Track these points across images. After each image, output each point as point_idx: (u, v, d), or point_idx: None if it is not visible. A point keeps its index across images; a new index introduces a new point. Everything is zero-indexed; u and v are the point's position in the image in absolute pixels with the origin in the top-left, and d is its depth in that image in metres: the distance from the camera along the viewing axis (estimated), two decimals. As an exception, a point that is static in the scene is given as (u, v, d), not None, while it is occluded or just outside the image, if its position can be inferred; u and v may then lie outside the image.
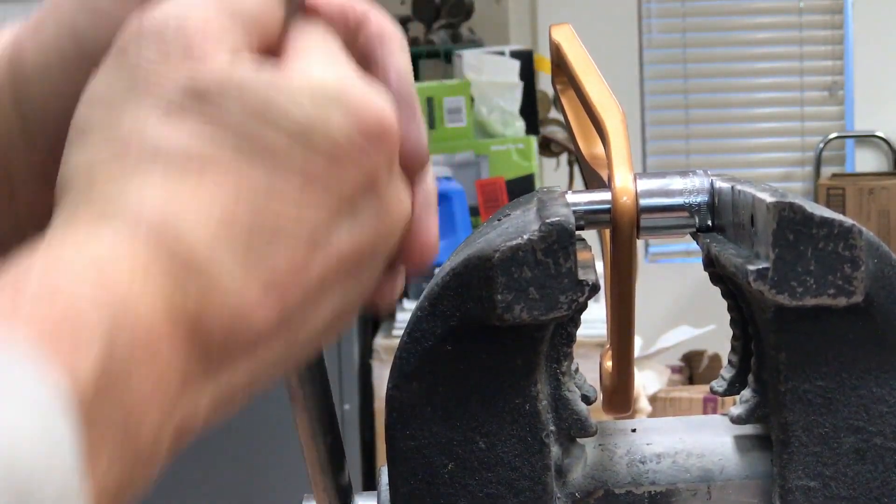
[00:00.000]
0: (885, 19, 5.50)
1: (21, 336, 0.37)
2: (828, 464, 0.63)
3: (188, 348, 0.42)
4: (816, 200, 4.78)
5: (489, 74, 3.96)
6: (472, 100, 3.85)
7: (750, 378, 0.66)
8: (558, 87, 0.81)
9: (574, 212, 0.63)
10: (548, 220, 0.61)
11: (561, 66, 0.76)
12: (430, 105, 3.65)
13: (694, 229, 0.68)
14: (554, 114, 4.24)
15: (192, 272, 0.42)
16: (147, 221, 0.42)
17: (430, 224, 0.51)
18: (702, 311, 3.87)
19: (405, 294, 3.35)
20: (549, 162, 4.53)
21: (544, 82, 4.16)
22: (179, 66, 0.44)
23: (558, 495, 0.65)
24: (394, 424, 0.64)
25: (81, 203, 0.43)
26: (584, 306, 0.62)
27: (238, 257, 0.43)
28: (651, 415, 3.70)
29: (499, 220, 0.66)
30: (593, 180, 0.77)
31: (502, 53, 4.11)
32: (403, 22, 4.92)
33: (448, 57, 4.40)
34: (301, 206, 0.45)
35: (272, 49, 0.48)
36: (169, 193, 0.43)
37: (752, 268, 0.59)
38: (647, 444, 0.67)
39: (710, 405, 3.91)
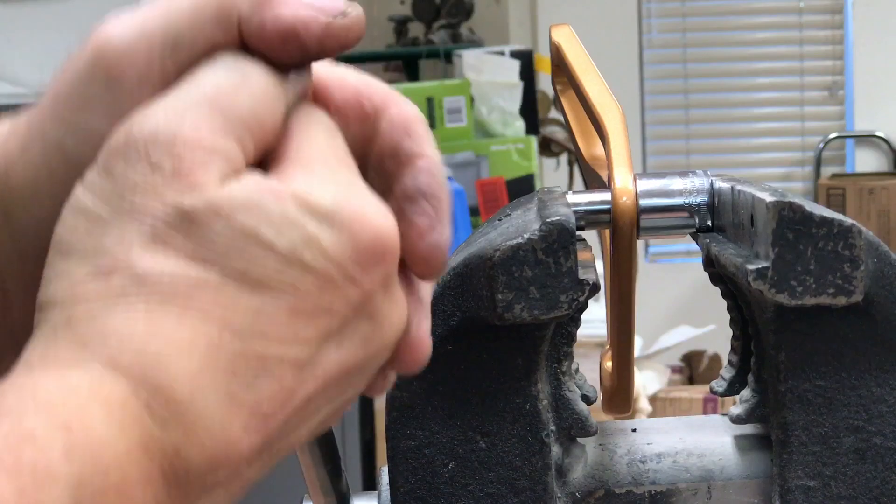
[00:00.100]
0: (885, 19, 5.49)
1: None
2: (827, 463, 0.63)
3: (166, 486, 0.41)
4: (816, 200, 4.78)
5: (489, 74, 3.96)
6: (472, 100, 3.85)
7: (750, 378, 0.66)
8: (558, 87, 0.81)
9: (574, 212, 0.63)
10: (548, 220, 0.61)
11: (561, 67, 0.76)
12: (430, 105, 3.65)
13: (694, 229, 0.68)
14: (554, 114, 4.24)
15: (173, 407, 0.41)
16: (128, 357, 0.41)
17: (423, 326, 0.49)
18: (702, 311, 3.87)
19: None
20: (549, 162, 4.53)
21: (544, 82, 4.16)
22: (167, 186, 0.43)
23: (559, 495, 0.65)
24: (394, 424, 0.64)
25: (61, 327, 0.42)
26: (584, 305, 0.62)
27: (221, 390, 0.42)
28: (651, 415, 3.70)
29: (499, 220, 0.66)
30: (593, 181, 0.77)
31: (502, 53, 4.11)
32: (403, 22, 4.92)
33: (448, 57, 4.40)
34: (288, 333, 0.43)
35: (271, 145, 0.46)
36: (151, 325, 0.42)
37: (751, 267, 0.59)
38: (648, 444, 0.67)
39: (710, 405, 3.91)
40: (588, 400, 0.66)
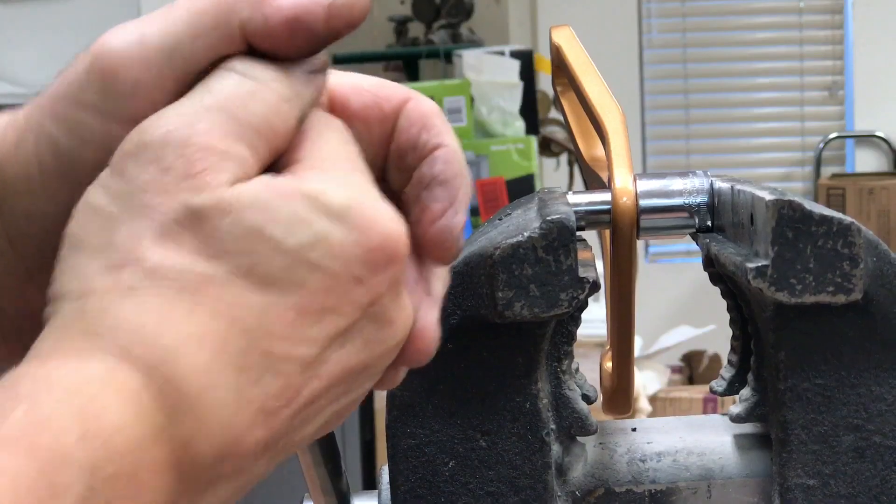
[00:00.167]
0: (885, 19, 5.50)
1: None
2: (827, 462, 0.63)
3: (175, 475, 0.42)
4: (816, 200, 4.77)
5: (489, 74, 3.96)
6: (472, 100, 3.85)
7: (749, 377, 0.66)
8: (559, 88, 0.82)
9: (574, 212, 0.63)
10: (548, 218, 0.61)
11: (561, 68, 0.77)
12: (431, 105, 3.65)
13: (694, 229, 0.68)
14: (554, 114, 4.24)
15: (184, 400, 0.42)
16: (140, 348, 0.42)
17: (431, 319, 0.49)
18: (702, 311, 3.87)
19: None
20: (549, 162, 4.53)
21: (544, 82, 4.16)
22: (178, 187, 0.43)
23: (559, 493, 0.65)
24: (395, 423, 0.64)
25: (73, 319, 0.43)
26: (584, 304, 0.62)
27: (230, 384, 0.42)
28: (651, 415, 3.70)
29: (499, 219, 0.67)
30: (593, 181, 0.77)
31: (502, 53, 4.11)
32: (403, 22, 4.92)
33: (448, 57, 4.40)
34: (295, 331, 0.44)
35: (283, 152, 0.46)
36: (162, 318, 0.42)
37: (751, 265, 0.59)
38: (648, 443, 0.68)
39: (710, 405, 3.91)
40: (588, 399, 0.66)
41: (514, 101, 3.93)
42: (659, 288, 5.16)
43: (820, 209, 0.60)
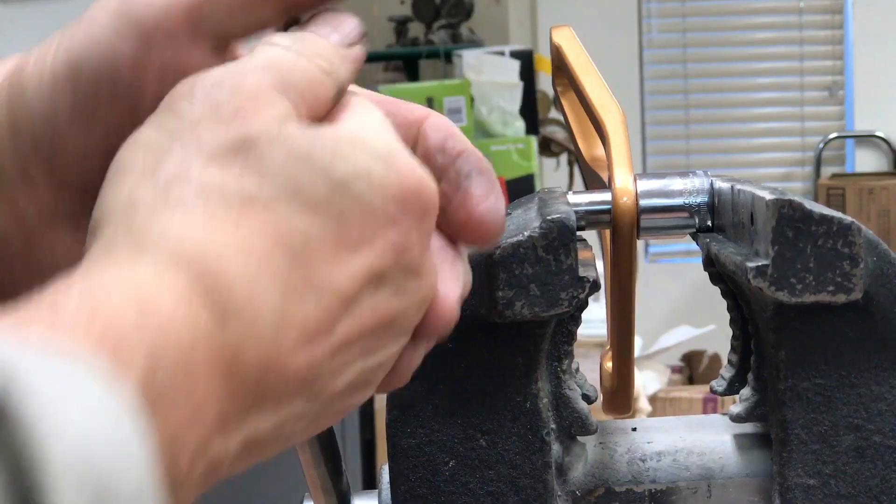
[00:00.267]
0: (885, 19, 5.50)
1: (70, 345, 0.37)
2: (827, 462, 0.63)
3: (224, 385, 0.42)
4: (816, 200, 4.77)
5: (489, 74, 3.96)
6: (472, 100, 3.86)
7: (749, 377, 0.66)
8: (559, 88, 0.82)
9: (575, 212, 0.63)
10: (549, 218, 0.61)
11: (561, 68, 0.77)
12: (430, 105, 3.66)
13: (694, 229, 0.68)
14: (554, 114, 4.24)
15: (231, 306, 0.42)
16: (188, 254, 0.42)
17: (453, 296, 0.51)
18: (702, 311, 3.87)
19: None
20: (549, 162, 4.53)
21: (544, 82, 4.16)
22: (228, 122, 0.45)
23: (559, 493, 0.65)
24: (395, 422, 0.64)
25: (120, 233, 0.43)
26: (584, 303, 0.62)
27: (275, 301, 0.43)
28: (651, 415, 3.70)
29: (500, 219, 0.67)
30: (593, 181, 0.77)
31: (502, 53, 4.11)
32: (403, 22, 4.93)
33: (448, 57, 4.40)
34: (336, 259, 0.45)
35: (321, 120, 0.48)
36: (210, 228, 0.43)
37: (751, 265, 0.59)
38: (648, 443, 0.68)
39: (710, 405, 3.92)
40: (588, 399, 0.66)
41: (514, 101, 3.93)
42: (659, 288, 5.16)
43: (820, 209, 0.60)
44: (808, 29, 5.63)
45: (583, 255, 0.62)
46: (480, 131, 3.87)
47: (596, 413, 0.66)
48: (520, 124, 3.93)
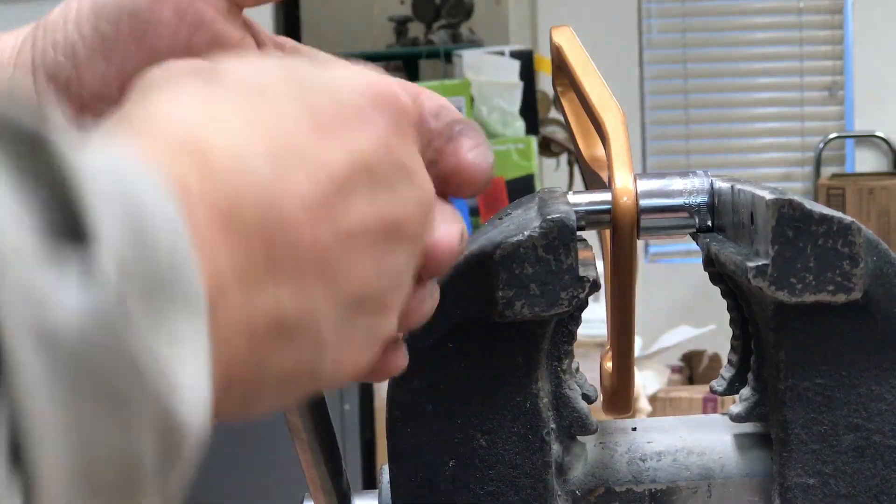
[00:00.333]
0: (885, 19, 5.50)
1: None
2: (827, 461, 0.63)
3: (228, 236, 0.42)
4: (816, 200, 4.76)
5: (489, 74, 3.96)
6: (472, 100, 3.85)
7: (749, 377, 0.66)
8: (559, 88, 0.82)
9: (575, 212, 0.63)
10: (549, 217, 0.61)
11: (562, 68, 0.77)
12: (431, 105, 3.65)
13: (694, 229, 0.68)
14: (554, 114, 4.24)
15: (220, 168, 0.43)
16: (175, 125, 0.44)
17: (455, 231, 0.52)
18: (702, 311, 3.87)
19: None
20: (549, 162, 4.53)
21: (544, 82, 4.16)
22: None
23: (559, 493, 0.65)
24: (395, 422, 0.64)
25: (120, 121, 0.45)
26: (584, 303, 0.62)
27: (264, 164, 0.44)
28: (651, 415, 3.70)
29: (500, 219, 0.67)
30: (593, 181, 0.77)
31: (502, 53, 4.11)
32: (403, 22, 4.93)
33: (448, 57, 4.40)
34: (315, 142, 0.46)
35: None
36: (205, 104, 0.45)
37: (751, 264, 0.60)
38: (648, 443, 0.68)
39: (710, 405, 3.91)
40: (588, 399, 0.66)
41: (514, 101, 3.93)
42: (659, 288, 5.16)
43: (820, 208, 0.60)
44: (808, 29, 5.63)
45: (583, 254, 0.62)
46: (480, 131, 3.87)
47: (596, 413, 0.66)
48: (520, 124, 3.92)
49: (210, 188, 0.42)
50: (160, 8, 0.56)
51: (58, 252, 0.33)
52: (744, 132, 5.70)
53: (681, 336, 4.26)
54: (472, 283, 0.62)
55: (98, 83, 0.58)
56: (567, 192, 0.67)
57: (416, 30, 4.96)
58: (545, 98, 4.18)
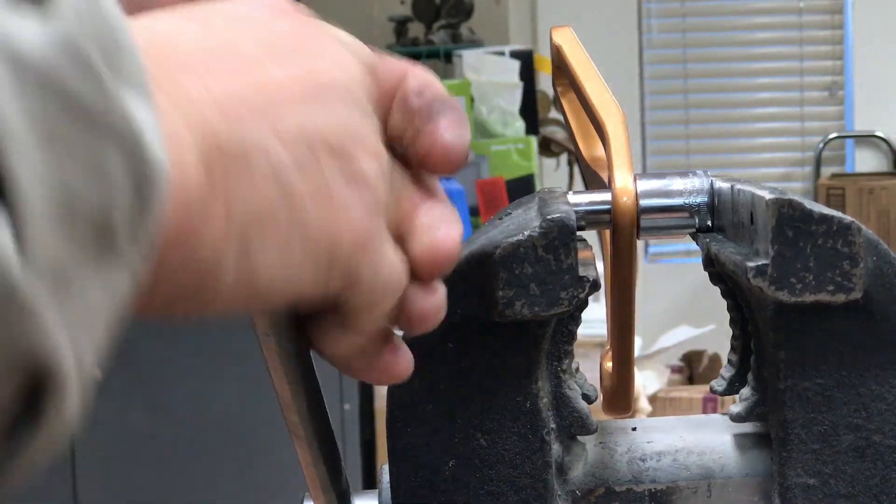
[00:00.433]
0: (885, 19, 5.50)
1: None
2: (827, 461, 0.63)
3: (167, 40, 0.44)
4: (816, 200, 4.76)
5: (489, 74, 3.97)
6: (472, 100, 3.86)
7: (749, 377, 0.66)
8: (559, 89, 0.82)
9: (575, 212, 0.63)
10: (549, 217, 0.61)
11: (561, 68, 0.77)
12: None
13: (694, 229, 0.68)
14: (554, 114, 4.24)
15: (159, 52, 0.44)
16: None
17: (454, 233, 0.53)
18: (702, 311, 3.87)
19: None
20: (549, 162, 4.53)
21: (544, 82, 4.17)
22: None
23: (559, 493, 0.65)
24: (395, 422, 0.64)
25: None
26: (584, 303, 0.62)
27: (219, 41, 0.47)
28: (651, 415, 3.71)
29: (500, 219, 0.67)
30: (593, 181, 0.77)
31: (502, 53, 4.12)
32: (403, 22, 4.93)
33: (448, 57, 4.40)
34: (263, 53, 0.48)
35: None
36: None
37: (751, 264, 0.60)
38: (648, 443, 0.68)
39: (710, 405, 3.92)
40: (588, 399, 0.66)
41: (514, 101, 3.94)
42: (659, 288, 5.16)
43: (820, 208, 0.60)
44: (808, 29, 5.63)
45: (583, 254, 0.62)
46: (480, 131, 3.87)
47: (596, 413, 0.66)
48: (520, 124, 3.93)
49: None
50: None
51: (19, 4, 0.35)
52: (744, 132, 5.70)
53: (681, 336, 4.27)
54: (472, 282, 0.62)
55: None
56: (567, 192, 0.67)
57: (416, 30, 4.96)
58: (545, 98, 4.19)
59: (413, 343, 0.56)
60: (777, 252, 0.59)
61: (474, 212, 3.63)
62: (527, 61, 4.08)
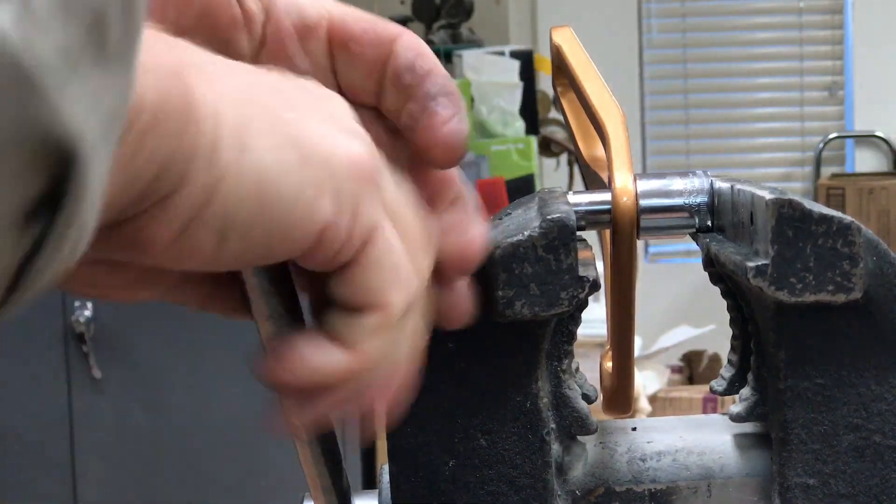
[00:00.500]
0: (885, 19, 5.50)
1: None
2: (827, 461, 0.63)
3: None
4: (816, 200, 4.76)
5: (489, 74, 3.97)
6: (472, 100, 3.86)
7: (749, 377, 0.66)
8: (559, 89, 0.82)
9: (575, 212, 0.63)
10: (549, 217, 0.61)
11: (561, 68, 0.77)
12: (431, 105, 3.65)
13: (694, 229, 0.68)
14: (554, 114, 4.24)
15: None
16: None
17: (478, 233, 0.56)
18: (702, 311, 3.88)
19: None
20: (549, 162, 4.53)
21: (544, 82, 4.17)
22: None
23: (559, 493, 0.65)
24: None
25: None
26: (584, 303, 0.62)
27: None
28: (651, 415, 3.71)
29: (500, 219, 0.67)
30: (593, 182, 0.77)
31: (502, 53, 4.12)
32: (403, 22, 4.92)
33: (448, 57, 4.40)
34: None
35: None
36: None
37: (751, 264, 0.60)
38: (648, 443, 0.68)
39: (710, 405, 3.92)
40: (588, 399, 0.66)
41: (514, 101, 3.94)
42: (659, 288, 5.16)
43: (820, 208, 0.60)
44: (808, 29, 5.63)
45: (583, 254, 0.62)
46: (480, 131, 3.87)
47: (596, 413, 0.66)
48: (520, 124, 3.93)
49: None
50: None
51: None
52: (744, 132, 5.70)
53: (681, 336, 4.27)
54: (471, 282, 0.62)
55: None
56: (567, 192, 0.67)
57: (416, 30, 4.96)
58: (545, 98, 4.19)
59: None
60: (777, 252, 0.59)
61: (474, 212, 3.63)
62: (527, 61, 4.08)
